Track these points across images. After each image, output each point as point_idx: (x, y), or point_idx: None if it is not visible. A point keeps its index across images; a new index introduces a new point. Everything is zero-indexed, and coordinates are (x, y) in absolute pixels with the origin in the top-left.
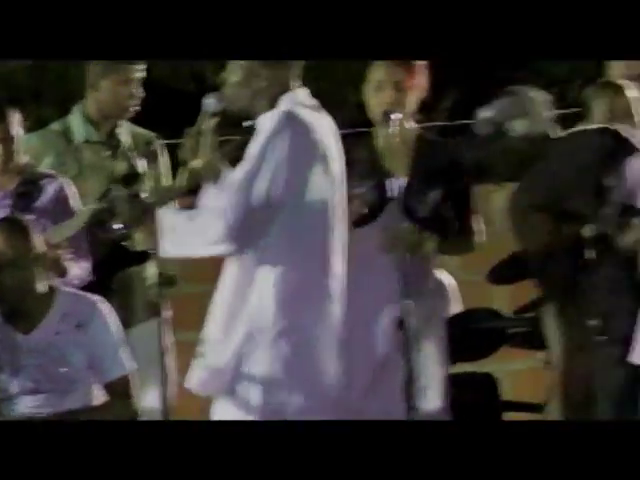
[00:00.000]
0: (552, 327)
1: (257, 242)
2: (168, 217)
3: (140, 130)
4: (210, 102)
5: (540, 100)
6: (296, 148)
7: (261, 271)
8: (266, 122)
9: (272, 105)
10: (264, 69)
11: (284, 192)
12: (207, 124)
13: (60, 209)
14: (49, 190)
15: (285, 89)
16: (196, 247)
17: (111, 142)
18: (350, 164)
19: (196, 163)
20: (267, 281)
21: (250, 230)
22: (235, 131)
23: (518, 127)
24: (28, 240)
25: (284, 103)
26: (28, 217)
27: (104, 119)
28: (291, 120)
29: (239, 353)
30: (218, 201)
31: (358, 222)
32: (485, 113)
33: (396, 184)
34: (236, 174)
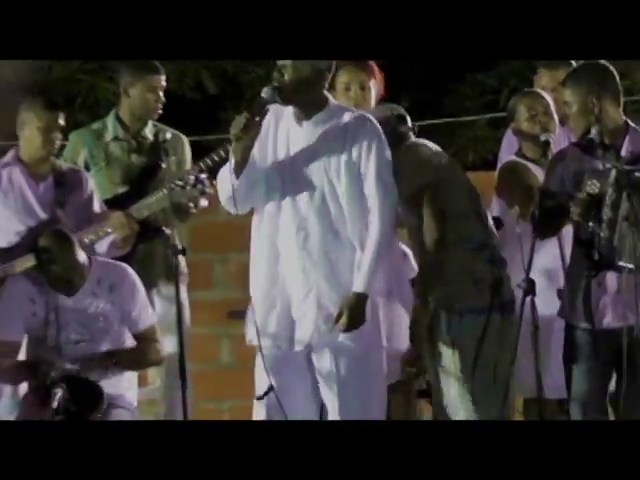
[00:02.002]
0: None
1: None
2: None
3: (165, 128)
4: (267, 92)
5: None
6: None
7: None
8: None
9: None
10: (310, 72)
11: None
12: (260, 109)
13: (86, 200)
14: (76, 182)
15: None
16: None
17: (137, 139)
18: None
19: (248, 139)
20: None
21: None
22: None
23: None
24: (72, 246)
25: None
26: (60, 210)
27: (135, 120)
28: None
29: None
30: None
31: None
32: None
33: None
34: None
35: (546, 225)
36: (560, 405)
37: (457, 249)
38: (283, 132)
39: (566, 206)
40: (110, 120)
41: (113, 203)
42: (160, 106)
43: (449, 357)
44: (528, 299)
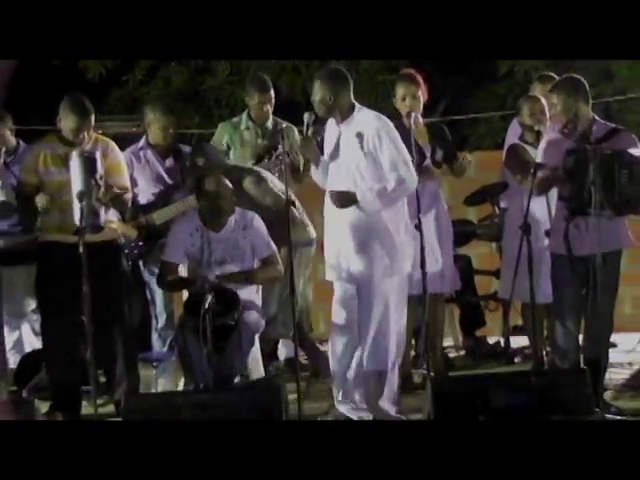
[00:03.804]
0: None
1: None
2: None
3: (281, 121)
4: (306, 116)
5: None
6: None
7: None
8: (371, 121)
9: (347, 114)
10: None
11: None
12: (307, 128)
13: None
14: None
15: (350, 102)
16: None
17: (262, 129)
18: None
19: (307, 148)
20: None
21: None
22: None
23: None
24: (228, 187)
25: (367, 109)
26: (180, 177)
27: (257, 118)
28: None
29: None
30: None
31: None
32: None
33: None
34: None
35: (539, 187)
36: (546, 307)
37: None
38: (331, 134)
39: (553, 174)
40: (244, 116)
41: None
42: (270, 111)
43: None
44: (525, 238)
